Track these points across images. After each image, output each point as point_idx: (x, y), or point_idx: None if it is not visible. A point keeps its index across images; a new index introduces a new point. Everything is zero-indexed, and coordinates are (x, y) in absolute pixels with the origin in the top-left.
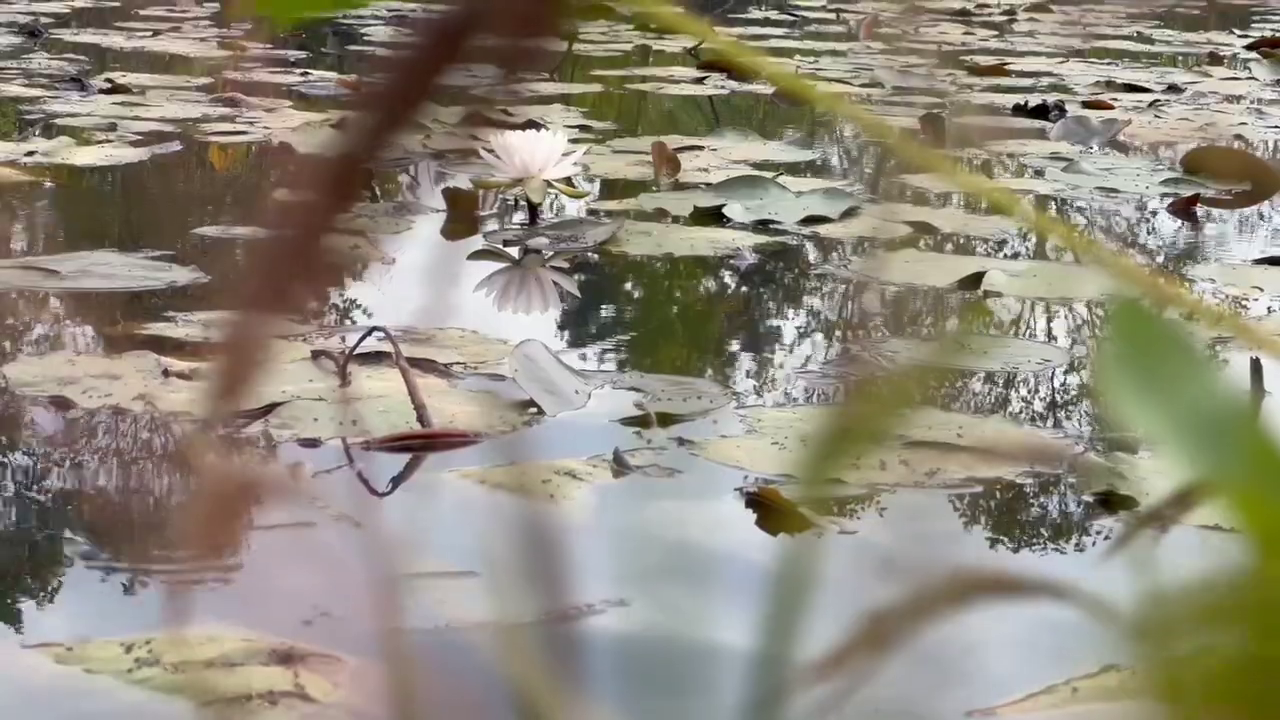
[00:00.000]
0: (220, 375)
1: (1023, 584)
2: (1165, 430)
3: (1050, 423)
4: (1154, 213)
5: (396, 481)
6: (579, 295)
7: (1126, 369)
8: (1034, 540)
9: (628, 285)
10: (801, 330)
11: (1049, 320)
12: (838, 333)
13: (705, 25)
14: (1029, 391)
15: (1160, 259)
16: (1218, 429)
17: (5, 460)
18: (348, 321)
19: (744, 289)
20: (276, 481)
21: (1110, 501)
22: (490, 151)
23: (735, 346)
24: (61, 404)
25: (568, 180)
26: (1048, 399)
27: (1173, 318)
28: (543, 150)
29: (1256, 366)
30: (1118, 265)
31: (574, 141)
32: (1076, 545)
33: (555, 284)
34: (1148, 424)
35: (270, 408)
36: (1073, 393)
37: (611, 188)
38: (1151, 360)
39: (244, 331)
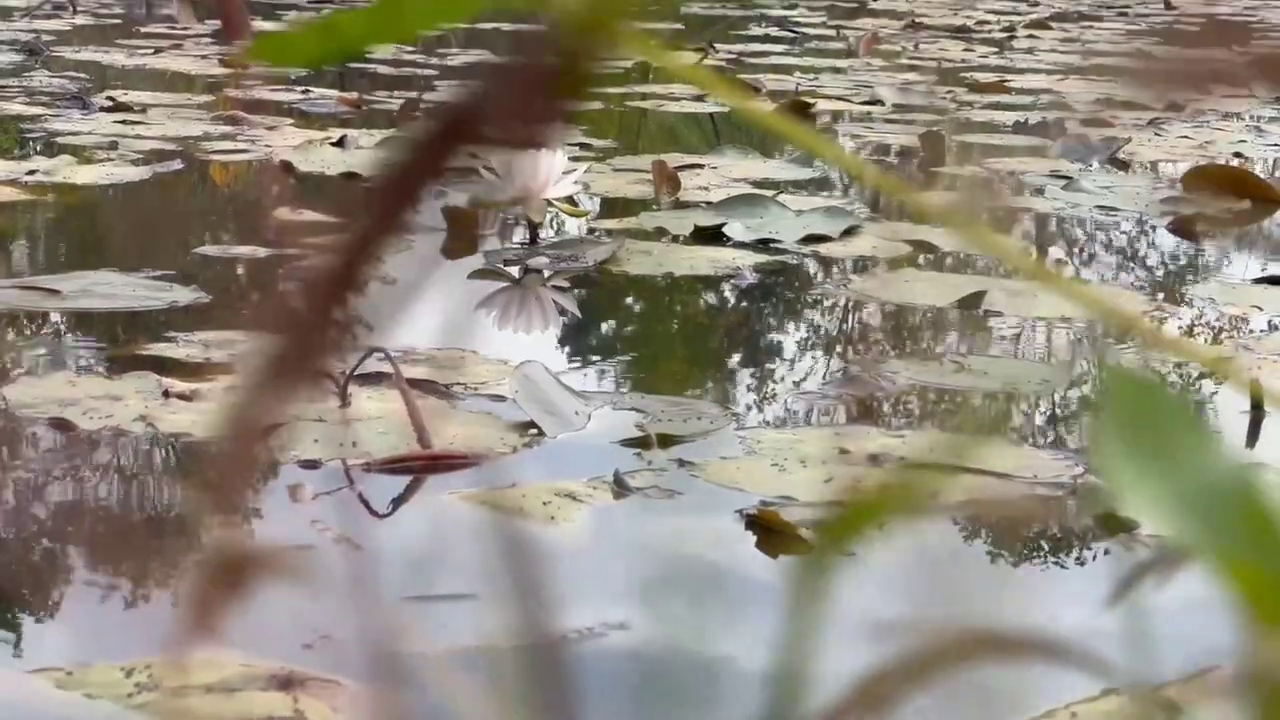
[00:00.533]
0: (228, 454)
1: (1025, 645)
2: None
3: (1051, 443)
4: (1154, 231)
5: (397, 503)
6: (579, 315)
7: (1122, 441)
8: (1034, 561)
9: (628, 305)
10: (801, 350)
11: (1049, 339)
12: (838, 352)
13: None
14: (1030, 411)
15: (1160, 278)
16: (1216, 503)
17: (6, 481)
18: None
19: (744, 308)
20: (281, 559)
21: (1110, 523)
22: (490, 170)
23: (735, 367)
24: (62, 425)
25: (568, 199)
26: (1049, 419)
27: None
28: (543, 169)
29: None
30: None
31: (574, 160)
32: (1077, 564)
33: (555, 303)
34: (1145, 498)
35: (270, 429)
36: (1073, 413)
37: (612, 206)
38: (1148, 431)
39: (255, 408)
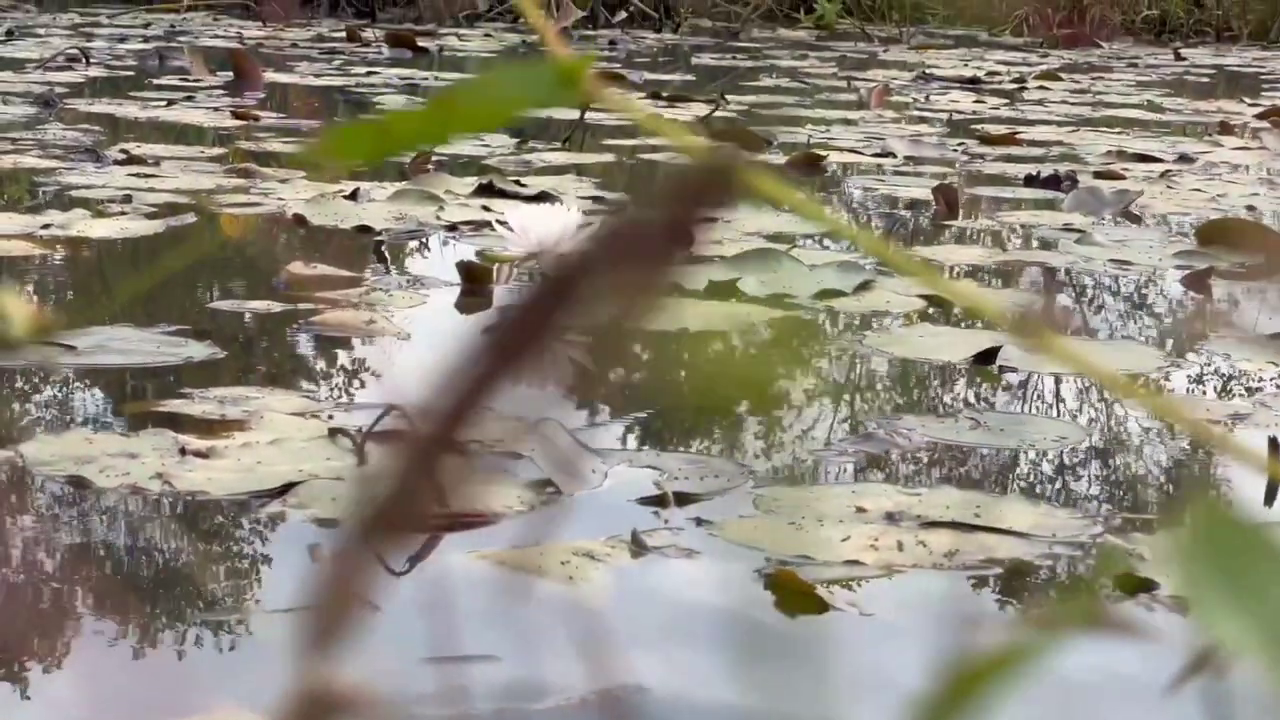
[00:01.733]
0: (322, 614)
1: None
2: (1254, 641)
3: (1069, 502)
4: (1168, 285)
5: (414, 561)
6: (593, 369)
7: (1210, 577)
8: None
9: (643, 360)
10: (816, 406)
11: (1066, 396)
12: (853, 409)
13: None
14: (1047, 469)
15: (1174, 333)
16: None
17: (24, 537)
18: (353, 384)
19: (760, 365)
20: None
21: (1129, 584)
22: (505, 225)
23: (750, 423)
24: (79, 483)
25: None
26: (1066, 478)
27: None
28: (558, 224)
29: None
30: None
31: (588, 213)
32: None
33: (569, 358)
34: (1234, 635)
35: (288, 487)
36: (1091, 471)
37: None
38: (1235, 566)
39: (349, 569)
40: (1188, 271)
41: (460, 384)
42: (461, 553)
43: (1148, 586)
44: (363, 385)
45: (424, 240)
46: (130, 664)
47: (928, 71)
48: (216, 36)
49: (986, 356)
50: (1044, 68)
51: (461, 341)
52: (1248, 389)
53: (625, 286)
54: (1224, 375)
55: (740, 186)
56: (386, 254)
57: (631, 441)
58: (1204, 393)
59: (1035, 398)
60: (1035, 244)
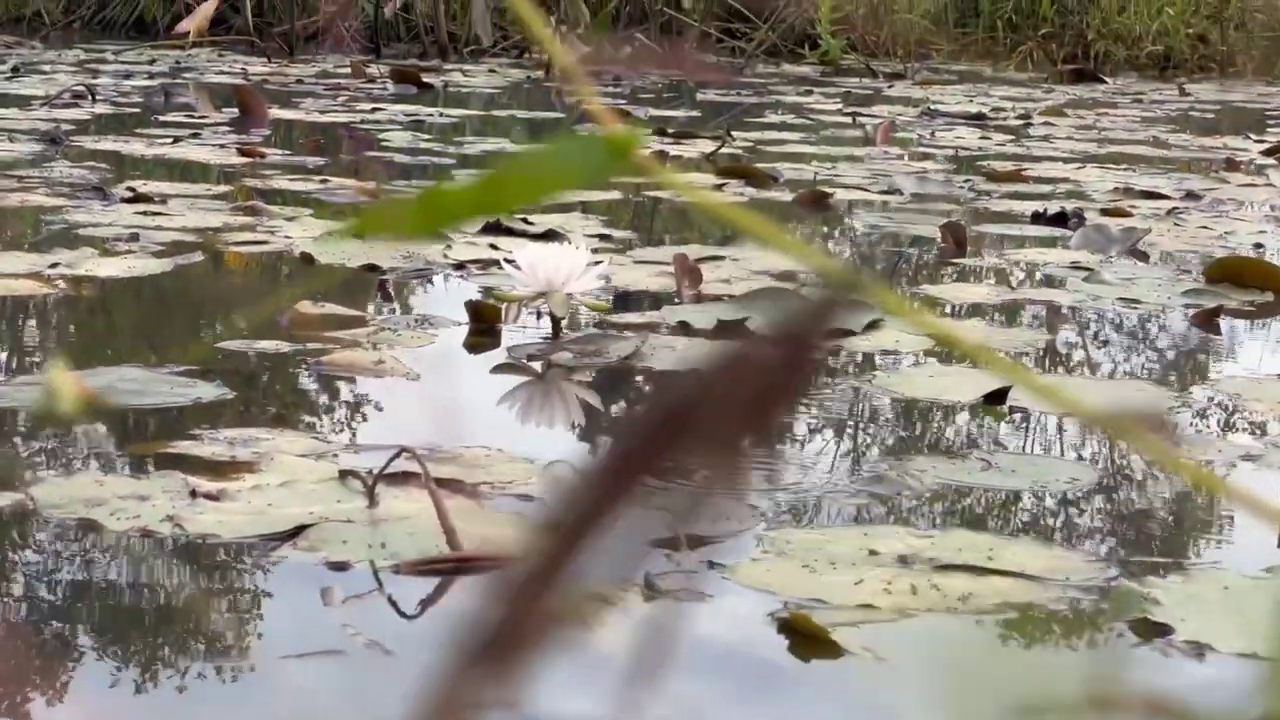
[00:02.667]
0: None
1: None
2: None
3: (1082, 544)
4: (1177, 324)
5: (425, 605)
6: (603, 410)
7: None
8: (1068, 669)
9: (649, 399)
10: (827, 447)
11: (1076, 436)
12: (863, 449)
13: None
14: (1059, 511)
15: (1184, 372)
16: None
17: (35, 581)
18: (363, 425)
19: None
20: None
21: (1145, 628)
22: (514, 265)
23: (763, 465)
24: (90, 526)
25: (592, 294)
26: (1079, 519)
27: None
28: (566, 264)
29: None
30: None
31: (595, 251)
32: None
33: (579, 398)
34: None
35: (299, 530)
36: (1103, 513)
37: (634, 300)
38: None
39: (460, 693)
40: (1196, 310)
41: (572, 511)
42: (473, 597)
43: (1163, 631)
44: (373, 426)
45: (431, 279)
46: (139, 707)
47: (933, 107)
48: (221, 72)
49: (996, 397)
50: (1049, 103)
51: (576, 470)
52: (1259, 429)
53: (741, 417)
54: (1234, 415)
55: (862, 315)
56: (394, 293)
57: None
58: (1214, 433)
59: (1045, 438)
60: (1043, 282)
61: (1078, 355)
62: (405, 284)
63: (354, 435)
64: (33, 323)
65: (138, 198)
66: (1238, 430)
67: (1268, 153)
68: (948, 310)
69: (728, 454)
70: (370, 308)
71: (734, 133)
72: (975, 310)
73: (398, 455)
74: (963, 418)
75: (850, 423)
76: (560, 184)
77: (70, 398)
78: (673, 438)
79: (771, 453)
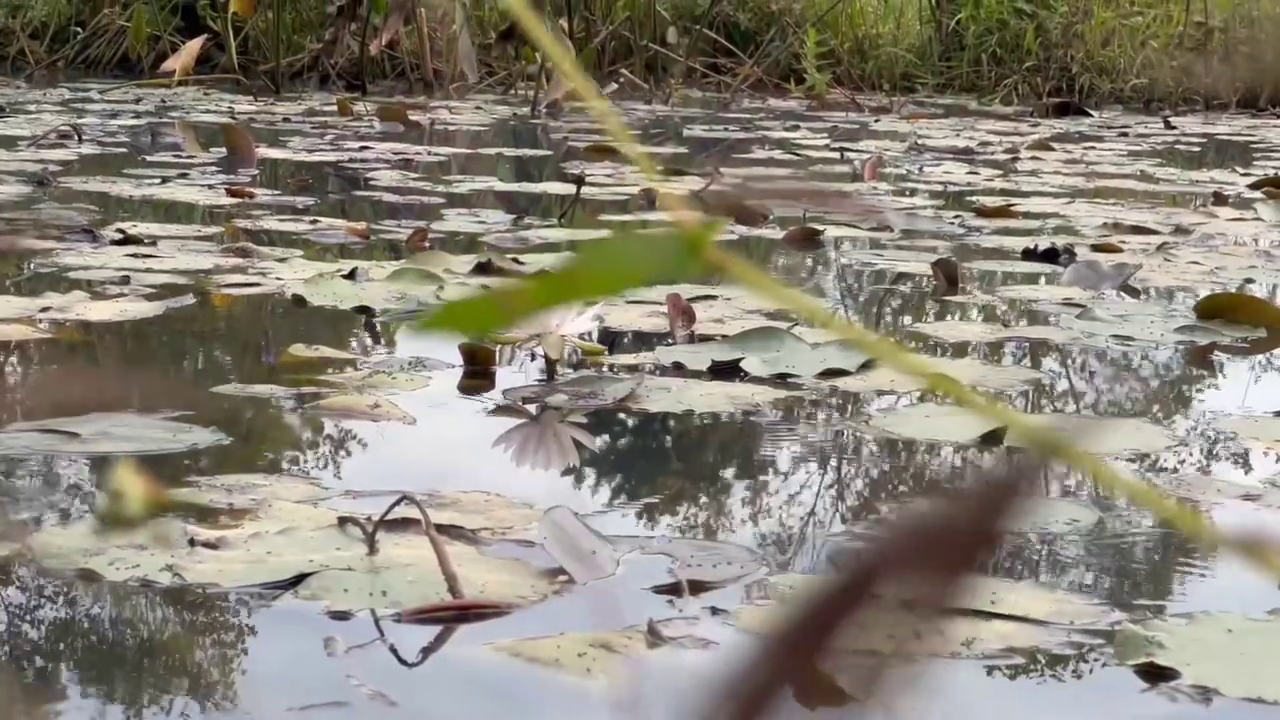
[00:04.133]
0: None
1: None
2: None
3: (1084, 587)
4: (1171, 361)
5: (428, 654)
6: (598, 452)
7: None
8: (1074, 713)
9: (649, 443)
10: (825, 489)
11: (1075, 476)
12: (862, 492)
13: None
14: (1060, 552)
15: (1180, 411)
16: None
17: (35, 633)
18: (360, 470)
19: (766, 446)
20: None
21: (1150, 672)
22: None
23: (760, 507)
24: (89, 577)
25: (586, 336)
26: (1080, 562)
27: None
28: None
29: None
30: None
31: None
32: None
33: (574, 440)
34: None
35: (299, 578)
36: (1104, 555)
37: (627, 341)
38: None
39: None
40: (1190, 347)
41: (745, 683)
42: (476, 644)
43: (1169, 676)
44: (370, 471)
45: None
46: None
47: (920, 142)
48: (208, 111)
49: (994, 437)
50: (1035, 137)
51: (747, 643)
52: (1257, 468)
53: (920, 591)
54: (1231, 454)
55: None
56: (387, 335)
57: (642, 528)
58: (1213, 473)
59: (1044, 478)
60: (1036, 319)
61: (1072, 394)
62: (398, 326)
63: (352, 481)
64: (24, 368)
65: (127, 239)
66: (1237, 469)
67: (1255, 186)
68: (940, 349)
69: (910, 623)
70: (364, 350)
71: (722, 169)
72: (969, 349)
73: (399, 502)
74: (960, 459)
75: (848, 465)
76: (633, 280)
77: (139, 498)
78: (852, 608)
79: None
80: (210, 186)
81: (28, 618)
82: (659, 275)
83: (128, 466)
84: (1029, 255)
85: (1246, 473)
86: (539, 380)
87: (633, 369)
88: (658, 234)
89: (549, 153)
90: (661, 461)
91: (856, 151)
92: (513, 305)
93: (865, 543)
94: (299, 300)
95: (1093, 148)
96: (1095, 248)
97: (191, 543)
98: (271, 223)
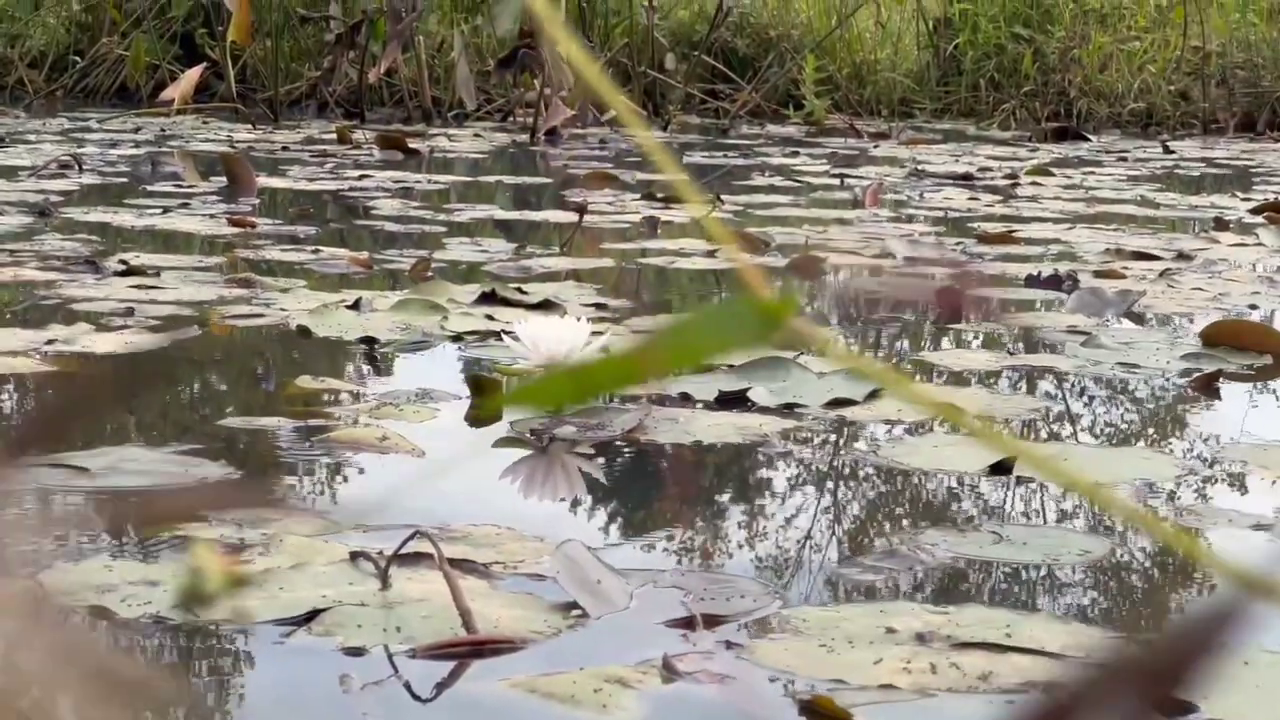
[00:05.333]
0: None
1: None
2: None
3: (1098, 619)
4: (1177, 388)
5: (443, 689)
6: (606, 484)
7: None
8: None
9: (657, 474)
10: (836, 521)
11: (1085, 506)
12: (874, 524)
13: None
14: (1073, 584)
15: (1188, 439)
16: None
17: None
18: (371, 504)
19: (774, 477)
20: None
21: (1169, 706)
22: (515, 339)
23: (771, 540)
24: (101, 614)
25: None
26: (1093, 592)
27: None
28: (568, 337)
29: None
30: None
31: (592, 320)
32: None
33: (581, 472)
34: None
35: (313, 614)
36: (1117, 586)
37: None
38: None
39: None
40: (1196, 374)
41: None
42: (491, 680)
43: (1187, 709)
44: (381, 505)
45: (430, 352)
46: None
47: (919, 168)
48: (207, 140)
49: (1002, 467)
50: (1034, 162)
51: None
52: (1268, 497)
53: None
54: (1242, 483)
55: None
56: (393, 367)
57: (653, 560)
58: (1223, 502)
59: (1055, 509)
60: (1041, 347)
61: (1079, 422)
62: (404, 357)
63: (362, 514)
64: (31, 402)
65: (130, 270)
66: (1246, 499)
67: (1255, 211)
68: (946, 377)
69: None
70: (370, 381)
71: (723, 196)
72: (974, 377)
73: (411, 538)
74: (970, 489)
75: (857, 496)
76: (713, 352)
77: (217, 577)
78: None
79: None
80: (211, 216)
81: (41, 657)
82: (740, 347)
83: (204, 545)
84: (1032, 282)
85: (1257, 502)
86: (546, 412)
87: (640, 400)
88: (738, 306)
89: (548, 180)
90: (670, 493)
91: (856, 178)
92: (595, 380)
93: (1071, 678)
94: (303, 331)
95: (1092, 172)
96: (1098, 274)
97: None
98: (273, 252)
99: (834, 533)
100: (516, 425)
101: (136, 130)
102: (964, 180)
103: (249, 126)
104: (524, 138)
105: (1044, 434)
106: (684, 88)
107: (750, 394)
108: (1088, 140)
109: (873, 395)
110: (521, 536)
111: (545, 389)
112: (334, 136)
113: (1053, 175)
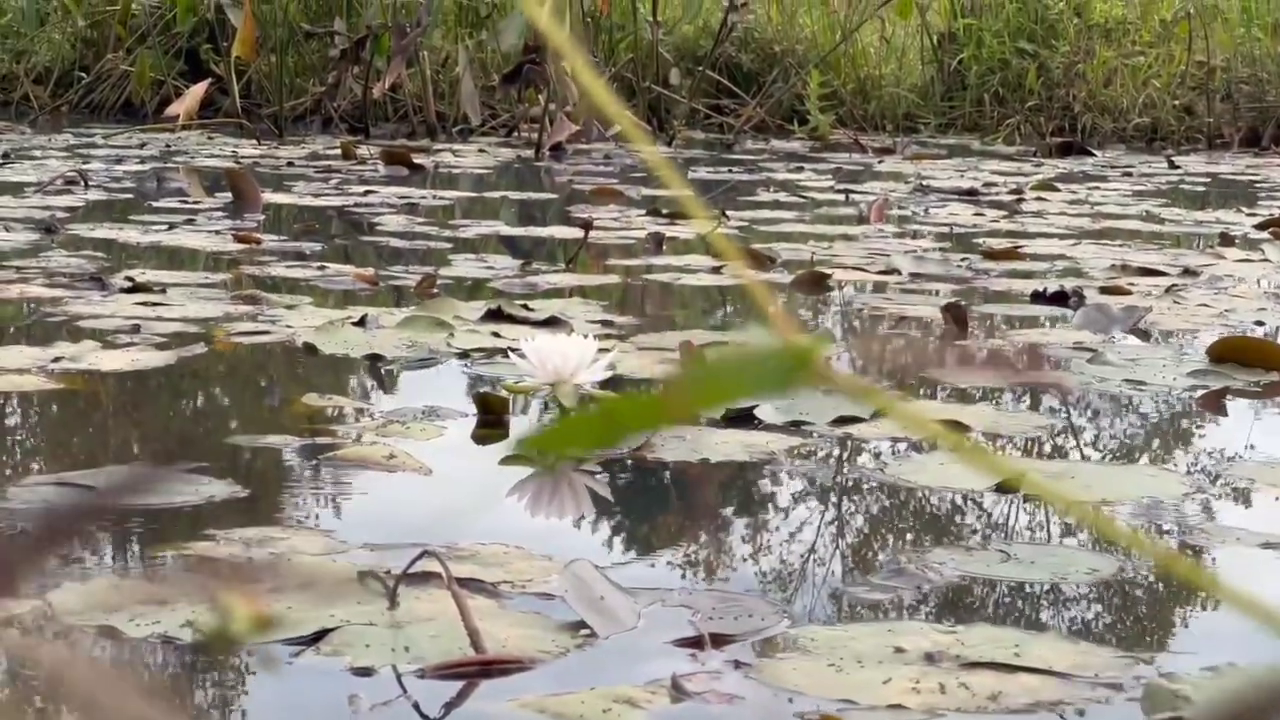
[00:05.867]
0: None
1: None
2: None
3: (1107, 638)
4: (1184, 405)
5: (451, 710)
6: (613, 502)
7: None
8: None
9: (665, 492)
10: (843, 539)
11: (1092, 525)
12: (881, 542)
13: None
14: (1081, 602)
15: (1196, 456)
16: None
17: (56, 692)
18: (379, 523)
19: (781, 495)
20: None
21: None
22: (521, 356)
23: (779, 558)
24: (109, 634)
25: (601, 385)
26: (1102, 612)
27: None
28: (575, 355)
29: None
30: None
31: (598, 338)
32: None
33: (588, 489)
34: None
35: (321, 634)
36: (1126, 605)
37: (640, 388)
38: None
39: None
40: (1203, 391)
41: None
42: (499, 700)
43: None
44: (388, 523)
45: (437, 369)
46: None
47: (924, 183)
48: (212, 155)
49: (1007, 486)
50: (1039, 177)
51: None
52: (1276, 515)
53: None
54: (1249, 501)
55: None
56: (400, 384)
57: (661, 579)
58: (1231, 520)
59: (1061, 526)
60: (1048, 364)
61: (1086, 440)
62: (411, 374)
63: (370, 533)
64: (38, 420)
65: (136, 287)
66: (1254, 517)
67: (1261, 226)
68: (952, 395)
69: None
70: (377, 399)
71: (728, 212)
72: (981, 394)
73: (420, 558)
74: (976, 506)
75: (864, 514)
76: (741, 396)
77: (243, 619)
78: None
79: None
80: (217, 232)
81: (50, 677)
82: (768, 390)
83: (234, 590)
84: (1038, 298)
85: (1265, 520)
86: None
87: None
88: (767, 349)
89: (553, 196)
90: (677, 511)
91: (861, 193)
92: (622, 423)
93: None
94: (310, 348)
95: (1097, 188)
96: (1104, 290)
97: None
98: (279, 269)
99: (841, 551)
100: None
101: (142, 146)
102: (969, 195)
103: (254, 142)
104: (529, 153)
105: (1049, 451)
106: (689, 103)
107: (757, 411)
108: (1092, 155)
109: (879, 413)
110: (529, 555)
111: (572, 432)
112: (339, 152)
113: (1058, 190)
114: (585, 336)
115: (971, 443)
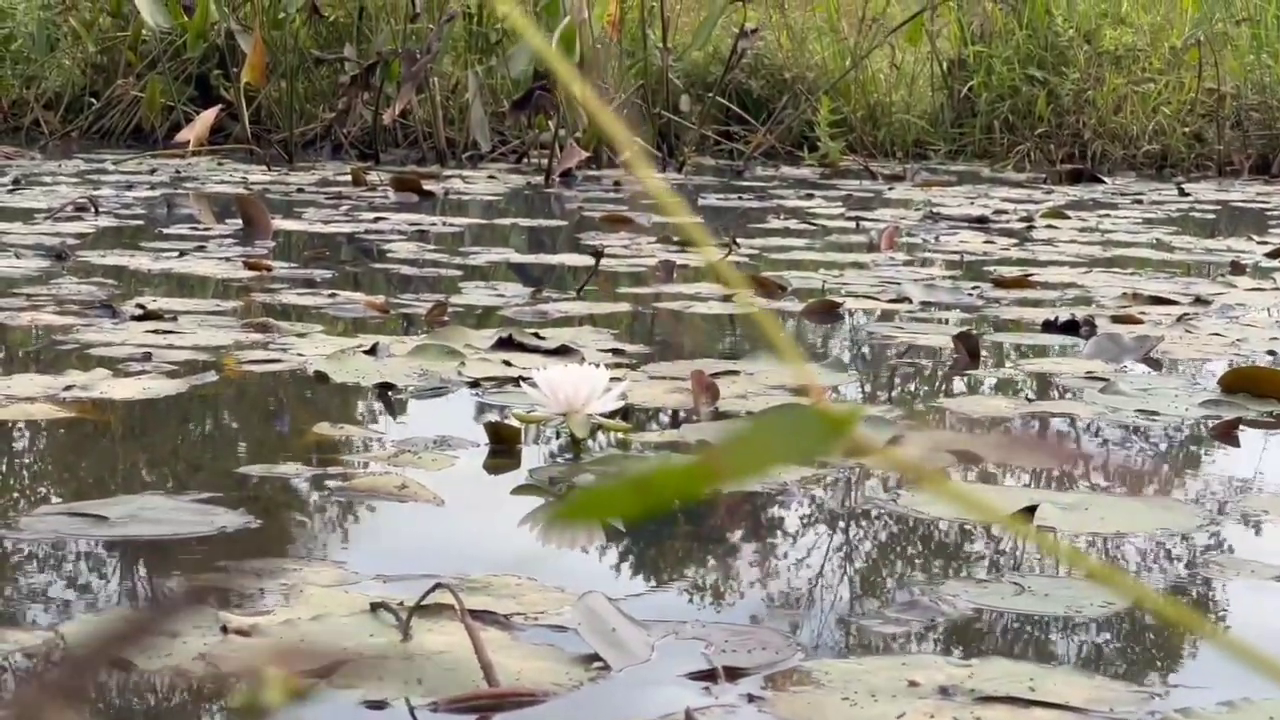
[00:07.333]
0: None
1: None
2: None
3: (1122, 672)
4: (1197, 436)
5: None
6: (625, 533)
7: None
8: None
9: (675, 523)
10: (857, 571)
11: (1106, 557)
12: (895, 573)
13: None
14: (1096, 636)
15: (1211, 489)
16: None
17: None
18: (391, 554)
19: (794, 526)
20: None
21: None
22: (534, 386)
23: (792, 590)
24: (121, 666)
25: (612, 415)
26: (1117, 645)
27: None
28: (586, 385)
29: None
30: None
31: (609, 366)
32: None
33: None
34: None
35: (334, 666)
36: (1141, 638)
37: (651, 417)
38: None
39: None
40: (1216, 422)
41: None
42: None
43: None
44: (400, 555)
45: (448, 398)
46: None
47: (935, 211)
48: (222, 181)
49: (1023, 516)
50: (1049, 205)
51: None
52: None
53: None
54: (1263, 533)
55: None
56: (411, 413)
57: (674, 611)
58: (1245, 552)
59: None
60: (1060, 393)
61: (1099, 471)
62: (422, 403)
63: (382, 564)
64: (50, 449)
65: (148, 315)
66: (1269, 549)
67: (1272, 255)
68: (964, 425)
69: None
70: (388, 428)
71: (738, 239)
72: (993, 424)
73: (433, 589)
74: (990, 538)
75: (877, 545)
76: (778, 463)
77: (278, 687)
78: None
79: None
80: (227, 259)
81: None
82: (803, 457)
83: (269, 660)
84: (1049, 327)
85: (1277, 552)
86: (565, 459)
87: (659, 447)
88: (801, 415)
89: (563, 223)
90: (688, 541)
91: (872, 221)
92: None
93: None
94: (321, 377)
95: (1107, 215)
96: (1115, 319)
97: (224, 630)
98: (290, 296)
99: (855, 583)
100: (535, 474)
101: (152, 172)
102: (979, 223)
103: (264, 168)
104: (539, 179)
105: (1062, 482)
106: (698, 129)
107: None
108: (1102, 182)
109: (891, 442)
110: (542, 587)
111: (608, 500)
112: (348, 178)
113: (1068, 218)
114: (596, 365)
115: (1021, 523)
